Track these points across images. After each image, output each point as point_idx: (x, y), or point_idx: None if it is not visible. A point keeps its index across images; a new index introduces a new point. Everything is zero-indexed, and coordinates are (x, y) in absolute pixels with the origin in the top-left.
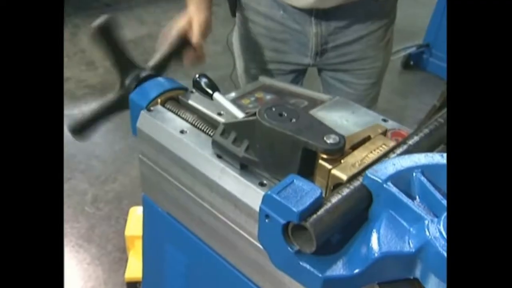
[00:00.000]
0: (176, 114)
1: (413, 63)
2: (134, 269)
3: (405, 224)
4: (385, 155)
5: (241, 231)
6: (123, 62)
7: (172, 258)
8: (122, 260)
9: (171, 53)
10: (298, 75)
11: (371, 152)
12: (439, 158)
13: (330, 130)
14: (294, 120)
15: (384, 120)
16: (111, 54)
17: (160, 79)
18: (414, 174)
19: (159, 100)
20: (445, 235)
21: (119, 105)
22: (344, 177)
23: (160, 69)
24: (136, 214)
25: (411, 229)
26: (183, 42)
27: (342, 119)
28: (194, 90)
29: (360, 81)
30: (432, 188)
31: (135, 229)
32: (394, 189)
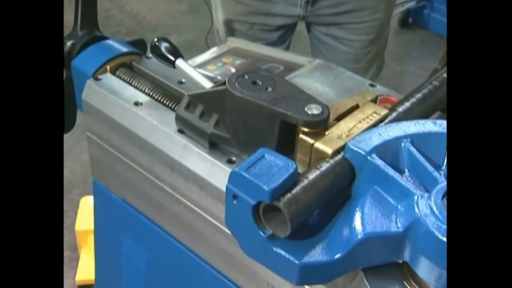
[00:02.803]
0: (129, 83)
1: (412, 20)
2: (87, 270)
3: (392, 201)
4: (376, 125)
5: (207, 217)
6: None
7: (130, 252)
8: (73, 260)
9: None
10: (286, 31)
11: (359, 122)
12: (432, 126)
13: (311, 99)
14: (270, 88)
15: (372, 85)
16: None
17: (108, 41)
18: (402, 144)
19: (108, 67)
20: (436, 212)
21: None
22: (329, 150)
23: (90, 21)
24: (88, 205)
25: (399, 206)
26: None
27: (324, 86)
28: (150, 55)
29: (357, 37)
30: (422, 160)
31: (88, 222)
32: (379, 162)
